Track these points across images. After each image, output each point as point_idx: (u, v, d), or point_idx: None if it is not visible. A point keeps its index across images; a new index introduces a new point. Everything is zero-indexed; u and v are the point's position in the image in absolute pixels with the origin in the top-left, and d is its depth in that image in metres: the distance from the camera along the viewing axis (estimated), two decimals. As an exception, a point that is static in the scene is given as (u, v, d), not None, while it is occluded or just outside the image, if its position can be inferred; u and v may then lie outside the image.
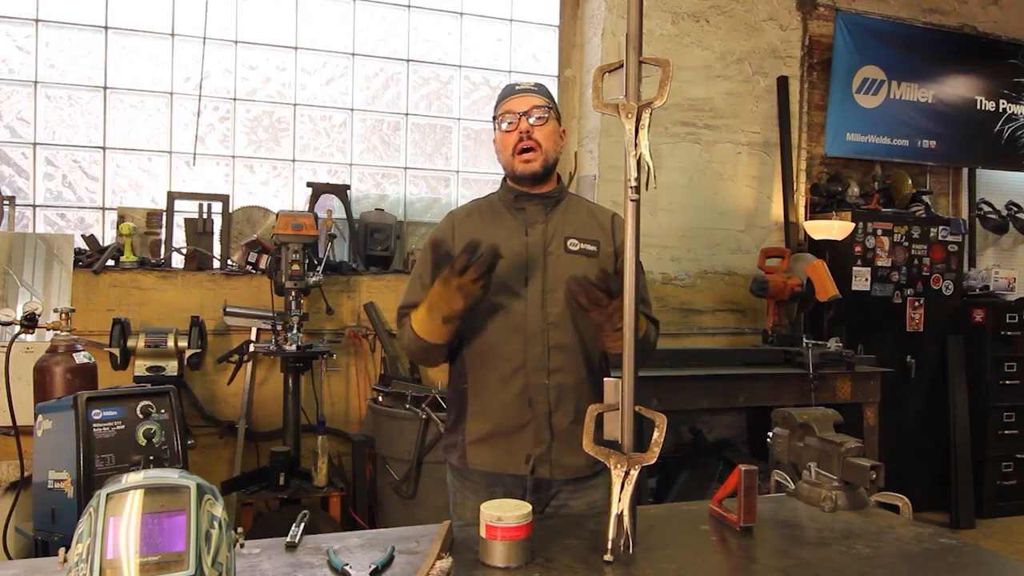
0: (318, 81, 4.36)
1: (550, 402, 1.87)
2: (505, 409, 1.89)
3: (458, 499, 2.00)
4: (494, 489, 1.90)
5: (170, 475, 1.09)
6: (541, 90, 1.98)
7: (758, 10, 4.88)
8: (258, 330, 3.84)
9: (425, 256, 1.97)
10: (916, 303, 4.87)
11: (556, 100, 1.96)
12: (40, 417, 2.17)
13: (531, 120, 1.91)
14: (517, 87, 1.98)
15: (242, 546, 1.19)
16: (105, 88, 3.98)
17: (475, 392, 1.93)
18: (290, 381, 3.57)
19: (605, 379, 1.51)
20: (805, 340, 4.04)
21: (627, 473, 1.40)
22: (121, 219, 3.82)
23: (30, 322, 2.39)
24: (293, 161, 4.32)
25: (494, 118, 2.00)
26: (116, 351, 3.13)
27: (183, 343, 3.27)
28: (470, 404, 1.94)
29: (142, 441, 2.08)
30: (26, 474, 2.36)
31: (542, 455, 1.87)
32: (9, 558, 2.41)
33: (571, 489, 1.93)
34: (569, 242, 1.94)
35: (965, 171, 5.55)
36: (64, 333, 2.58)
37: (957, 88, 5.32)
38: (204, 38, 4.07)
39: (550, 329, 1.87)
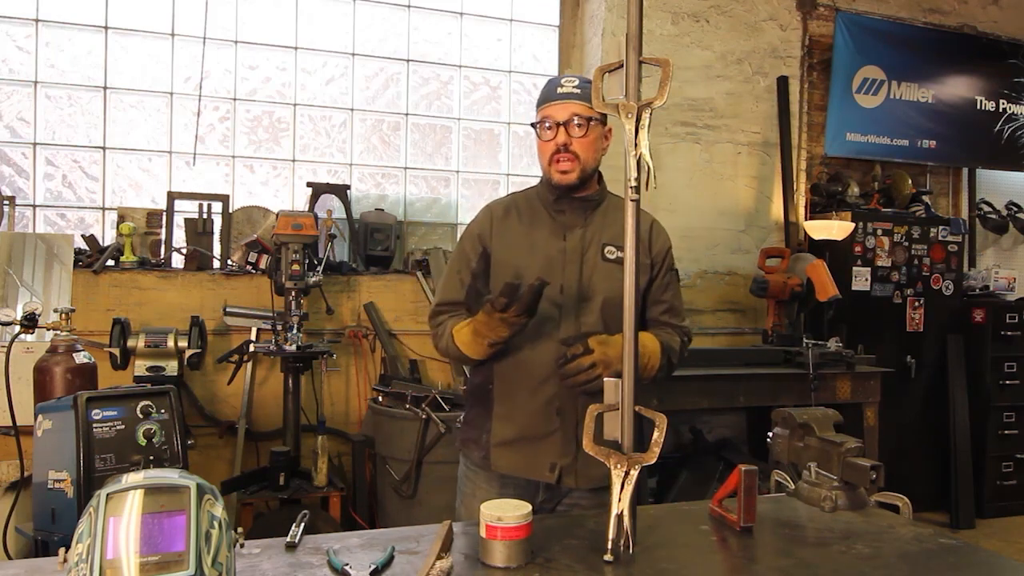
0: (318, 81, 4.36)
1: (579, 412, 1.84)
2: (532, 416, 1.88)
3: (467, 489, 1.99)
4: (506, 491, 1.88)
5: (170, 475, 1.09)
6: (584, 93, 1.84)
7: (758, 10, 4.88)
8: (258, 330, 3.83)
9: (463, 251, 1.97)
10: (916, 303, 4.86)
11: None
12: (40, 417, 2.16)
13: (570, 131, 1.84)
14: (560, 89, 1.87)
15: (242, 546, 1.19)
16: (105, 88, 3.98)
17: (502, 396, 1.92)
18: (290, 381, 3.57)
19: (605, 379, 1.50)
20: (805, 340, 4.04)
21: (627, 473, 1.39)
22: (121, 219, 3.82)
23: (30, 322, 2.38)
24: (293, 161, 4.32)
25: (536, 116, 1.92)
26: (116, 351, 3.13)
27: (183, 343, 3.26)
28: (496, 407, 1.93)
29: (142, 441, 2.07)
30: (26, 474, 2.35)
31: (568, 465, 1.87)
32: (9, 558, 2.40)
33: (585, 492, 1.92)
34: (606, 249, 1.90)
35: (965, 171, 5.55)
36: (64, 333, 2.57)
37: (957, 88, 5.32)
38: (204, 38, 4.07)
39: (583, 339, 1.82)
